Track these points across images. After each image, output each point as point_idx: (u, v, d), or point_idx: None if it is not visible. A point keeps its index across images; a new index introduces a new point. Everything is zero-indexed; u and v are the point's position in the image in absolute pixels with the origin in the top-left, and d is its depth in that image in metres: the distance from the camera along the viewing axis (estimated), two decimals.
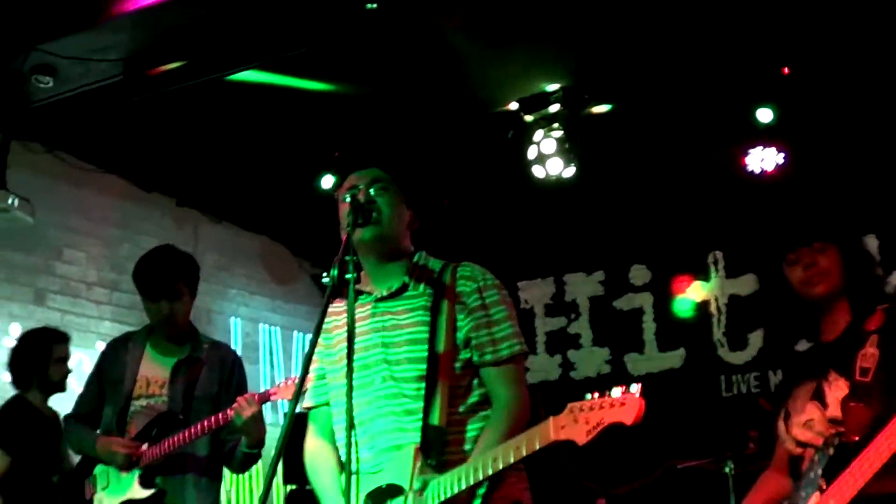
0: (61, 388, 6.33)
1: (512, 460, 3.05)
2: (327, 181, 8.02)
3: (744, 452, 6.48)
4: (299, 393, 3.09)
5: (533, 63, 7.16)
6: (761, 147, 7.77)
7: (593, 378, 9.22)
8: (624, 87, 7.50)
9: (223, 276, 9.25)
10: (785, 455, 3.64)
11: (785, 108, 7.42)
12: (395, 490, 3.22)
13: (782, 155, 7.74)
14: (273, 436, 7.28)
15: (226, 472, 5.37)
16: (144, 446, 4.99)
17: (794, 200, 7.46)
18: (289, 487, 8.14)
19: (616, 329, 9.34)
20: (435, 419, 3.26)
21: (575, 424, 2.91)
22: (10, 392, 6.64)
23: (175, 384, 5.14)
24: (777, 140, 7.71)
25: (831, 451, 3.34)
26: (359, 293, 3.46)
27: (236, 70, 6.73)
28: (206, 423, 4.87)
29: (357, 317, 3.40)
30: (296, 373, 8.09)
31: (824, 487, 3.31)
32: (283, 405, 8.55)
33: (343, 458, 3.27)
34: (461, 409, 3.35)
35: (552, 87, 7.45)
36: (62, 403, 6.06)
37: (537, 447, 3.00)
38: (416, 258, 3.53)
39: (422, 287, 3.45)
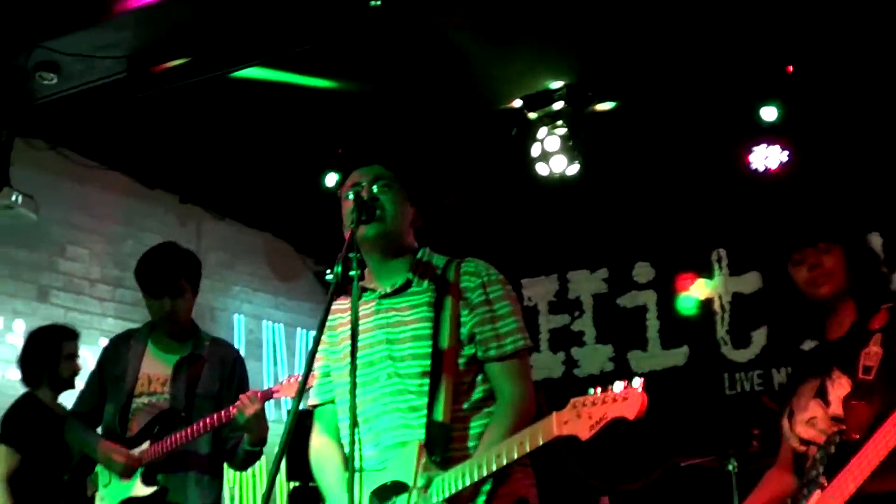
0: (71, 384, 6.32)
1: (516, 456, 3.04)
2: (331, 179, 8.02)
3: (747, 450, 6.48)
4: (303, 390, 3.08)
5: (537, 60, 7.15)
6: (765, 145, 7.75)
7: (597, 375, 9.21)
8: (628, 85, 7.49)
9: (226, 273, 9.26)
10: (789, 453, 3.64)
11: (789, 105, 7.41)
12: (399, 487, 3.22)
13: (786, 153, 7.73)
14: (276, 433, 7.30)
15: (228, 469, 5.38)
16: (145, 445, 4.99)
17: (799, 199, 7.47)
18: (292, 484, 8.15)
19: (619, 326, 9.34)
20: (439, 415, 3.26)
21: (578, 419, 2.91)
22: (13, 388, 6.66)
23: (177, 382, 5.13)
24: (781, 138, 7.70)
25: (832, 449, 3.34)
26: (363, 290, 3.47)
27: (240, 67, 6.73)
28: (208, 421, 4.87)
29: (361, 314, 3.40)
30: (299, 370, 8.09)
31: (825, 485, 3.31)
32: (287, 402, 8.54)
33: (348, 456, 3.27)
34: (465, 405, 3.34)
35: (556, 84, 7.44)
36: (72, 400, 6.06)
37: (541, 442, 3.00)
38: (419, 255, 3.53)
39: (426, 283, 3.45)
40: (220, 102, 7.34)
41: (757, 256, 8.54)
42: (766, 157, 7.78)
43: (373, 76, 7.11)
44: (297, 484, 8.07)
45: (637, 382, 2.85)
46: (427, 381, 3.30)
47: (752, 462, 6.25)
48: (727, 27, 6.64)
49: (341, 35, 6.34)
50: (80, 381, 6.28)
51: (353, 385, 3.08)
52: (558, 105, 7.53)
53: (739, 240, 8.74)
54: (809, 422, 3.46)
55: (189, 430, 4.89)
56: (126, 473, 4.97)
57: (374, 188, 3.43)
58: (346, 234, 3.25)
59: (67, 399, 6.27)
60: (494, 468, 3.08)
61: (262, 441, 5.01)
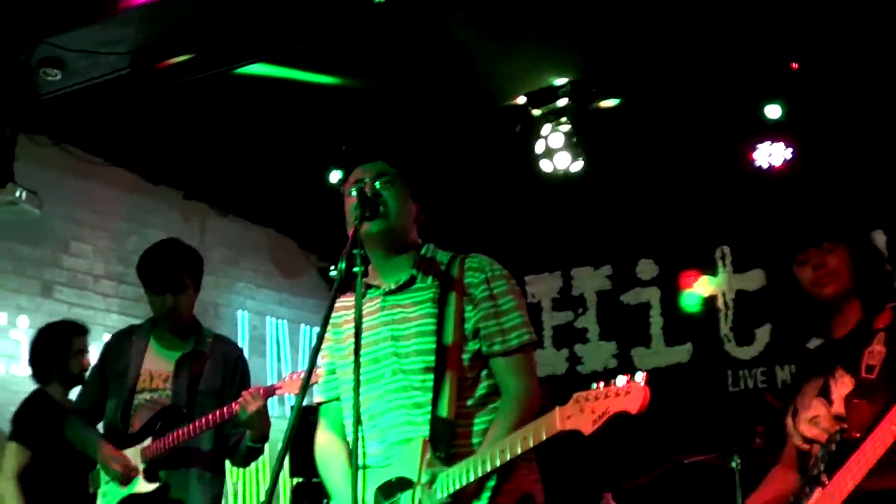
0: (81, 380, 6.29)
1: (519, 451, 3.04)
2: (335, 175, 8.02)
3: (750, 447, 6.47)
4: (306, 386, 3.08)
5: (541, 57, 7.15)
6: (769, 142, 7.75)
7: (600, 372, 9.21)
8: (632, 82, 7.49)
9: (230, 269, 9.27)
10: (793, 451, 3.65)
11: (793, 103, 7.40)
12: (404, 483, 3.22)
13: (790, 150, 7.72)
14: (279, 429, 7.30)
15: (231, 465, 5.38)
16: (147, 441, 4.99)
17: (803, 198, 7.45)
18: (295, 480, 8.15)
19: (623, 323, 9.34)
20: (443, 411, 3.26)
21: (581, 414, 2.91)
22: (16, 384, 6.66)
23: (179, 378, 5.14)
24: (785, 135, 7.70)
25: (834, 447, 3.35)
26: (367, 287, 3.47)
27: (244, 63, 6.73)
28: (210, 417, 4.87)
29: (366, 311, 3.41)
30: (303, 366, 8.10)
31: (826, 483, 3.32)
32: (290, 398, 8.55)
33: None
34: (469, 401, 3.34)
35: (560, 81, 7.44)
36: None
37: (544, 437, 2.99)
38: (423, 250, 3.53)
39: (430, 279, 3.44)
40: (224, 99, 7.34)
41: (761, 254, 8.53)
42: (770, 155, 7.78)
43: (377, 72, 7.12)
44: (300, 480, 8.07)
45: (640, 376, 2.85)
46: (431, 376, 3.30)
47: (755, 459, 6.25)
48: (731, 24, 6.63)
49: (345, 31, 6.34)
50: None
51: (357, 383, 3.07)
52: (562, 102, 7.53)
53: (743, 237, 8.73)
54: (812, 420, 3.45)
55: (191, 427, 4.90)
56: (123, 482, 4.97)
57: (377, 184, 3.42)
58: (350, 231, 3.25)
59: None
60: (498, 463, 3.07)
61: (265, 437, 5.01)
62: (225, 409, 4.86)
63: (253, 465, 6.72)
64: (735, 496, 6.45)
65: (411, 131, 7.47)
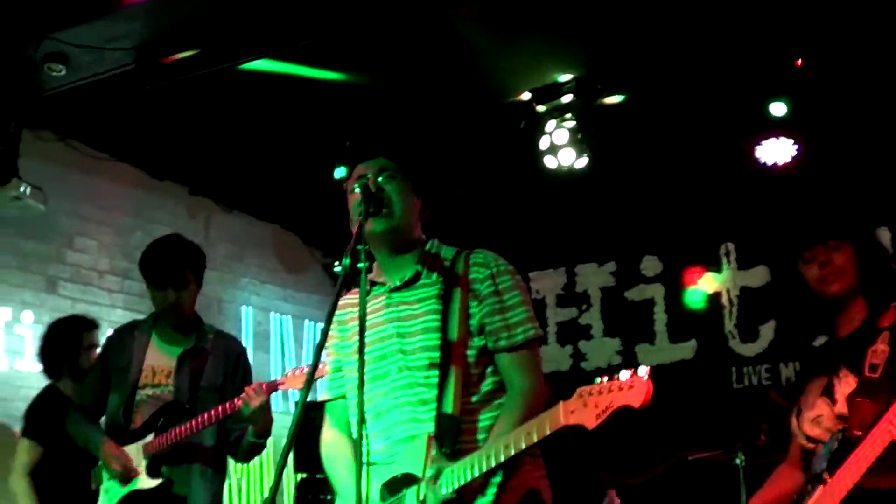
0: None
1: (523, 446, 3.03)
2: (340, 172, 8.02)
3: (755, 444, 6.48)
4: (311, 381, 3.08)
5: (545, 53, 7.14)
6: (774, 139, 7.74)
7: (604, 368, 9.15)
8: (637, 78, 7.48)
9: (235, 265, 9.27)
10: (798, 449, 3.66)
11: (798, 100, 7.39)
12: (409, 479, 3.21)
13: (795, 147, 7.71)
14: (283, 424, 7.31)
15: (236, 461, 5.38)
16: (149, 437, 4.99)
17: (808, 195, 7.46)
18: (299, 476, 8.16)
19: (627, 320, 9.34)
20: (448, 407, 3.25)
21: (584, 409, 2.90)
22: (21, 379, 6.66)
23: (181, 374, 5.14)
24: (789, 132, 7.69)
25: (836, 445, 3.35)
26: (372, 284, 3.47)
27: (248, 59, 6.73)
28: (213, 413, 4.87)
29: (372, 308, 3.41)
30: (307, 362, 8.10)
31: (828, 481, 3.32)
32: (294, 394, 8.56)
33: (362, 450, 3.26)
34: (474, 397, 3.33)
35: (565, 77, 7.43)
36: None
37: (548, 432, 2.99)
38: (428, 246, 3.52)
39: (435, 276, 3.43)
40: (229, 94, 7.34)
41: (765, 250, 8.53)
42: (775, 152, 7.77)
43: (381, 68, 7.11)
44: (304, 476, 8.09)
45: (643, 371, 2.85)
46: (436, 372, 3.29)
47: (759, 456, 6.25)
48: (736, 21, 6.62)
49: (350, 27, 6.33)
50: None
51: (361, 382, 3.07)
52: (567, 98, 7.53)
53: (747, 234, 8.73)
54: (815, 420, 3.46)
55: (194, 423, 4.90)
56: (123, 481, 4.98)
57: (379, 179, 3.42)
58: (354, 227, 3.25)
59: None
60: (503, 458, 3.06)
61: (267, 433, 5.02)
62: (227, 404, 4.86)
63: (257, 460, 6.72)
64: (739, 493, 6.45)
65: (414, 127, 7.47)
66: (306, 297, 10.03)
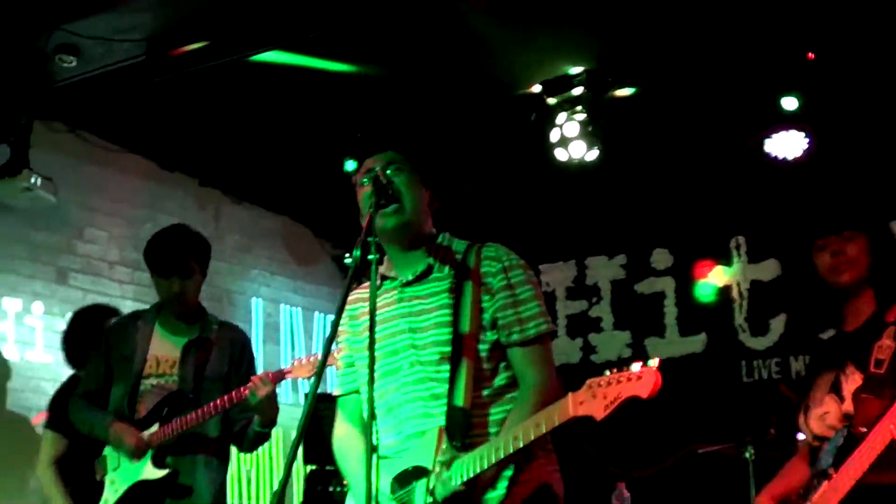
0: None
1: (532, 437, 3.04)
2: (351, 166, 8.01)
3: (764, 438, 6.47)
4: (321, 373, 3.08)
5: (556, 45, 7.12)
6: (785, 132, 7.72)
7: (614, 361, 9.15)
8: (648, 71, 7.46)
9: (244, 256, 9.27)
10: (807, 444, 3.65)
11: (810, 93, 7.37)
12: (420, 472, 3.22)
13: (806, 140, 7.69)
14: (292, 416, 7.32)
15: (245, 452, 5.38)
16: (154, 427, 5.00)
17: (819, 188, 7.44)
18: (309, 467, 8.17)
19: (637, 313, 9.33)
20: (459, 401, 3.25)
21: (593, 400, 2.91)
22: (31, 369, 6.65)
23: (185, 364, 5.15)
24: (801, 125, 7.67)
25: (841, 441, 3.36)
26: (383, 279, 3.47)
27: (258, 51, 6.72)
28: (218, 403, 4.89)
29: (383, 303, 3.42)
30: (316, 353, 8.10)
31: (833, 476, 3.33)
32: (303, 384, 8.57)
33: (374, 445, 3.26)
34: (486, 392, 3.33)
35: (576, 69, 7.42)
36: None
37: (557, 423, 2.99)
38: (439, 239, 3.52)
39: (446, 269, 3.43)
40: (240, 86, 7.34)
41: (776, 244, 8.51)
42: (786, 145, 7.74)
43: (392, 60, 7.10)
44: (314, 467, 8.09)
45: (653, 362, 2.85)
46: (447, 366, 3.29)
47: (769, 450, 6.24)
48: (748, 14, 6.60)
49: (360, 19, 6.33)
50: None
51: (371, 378, 3.06)
52: (578, 90, 7.51)
53: (758, 227, 8.71)
54: (822, 417, 3.47)
55: (198, 413, 4.91)
56: (137, 454, 4.97)
57: (388, 172, 3.42)
58: (365, 220, 3.24)
59: None
60: (512, 450, 3.07)
61: (273, 422, 5.03)
62: (234, 393, 4.88)
63: (266, 451, 6.73)
64: (749, 486, 6.45)
65: (424, 119, 7.46)
66: (316, 289, 10.03)
